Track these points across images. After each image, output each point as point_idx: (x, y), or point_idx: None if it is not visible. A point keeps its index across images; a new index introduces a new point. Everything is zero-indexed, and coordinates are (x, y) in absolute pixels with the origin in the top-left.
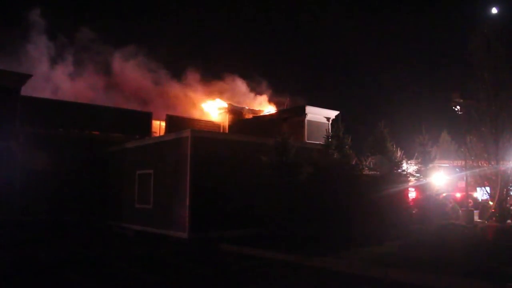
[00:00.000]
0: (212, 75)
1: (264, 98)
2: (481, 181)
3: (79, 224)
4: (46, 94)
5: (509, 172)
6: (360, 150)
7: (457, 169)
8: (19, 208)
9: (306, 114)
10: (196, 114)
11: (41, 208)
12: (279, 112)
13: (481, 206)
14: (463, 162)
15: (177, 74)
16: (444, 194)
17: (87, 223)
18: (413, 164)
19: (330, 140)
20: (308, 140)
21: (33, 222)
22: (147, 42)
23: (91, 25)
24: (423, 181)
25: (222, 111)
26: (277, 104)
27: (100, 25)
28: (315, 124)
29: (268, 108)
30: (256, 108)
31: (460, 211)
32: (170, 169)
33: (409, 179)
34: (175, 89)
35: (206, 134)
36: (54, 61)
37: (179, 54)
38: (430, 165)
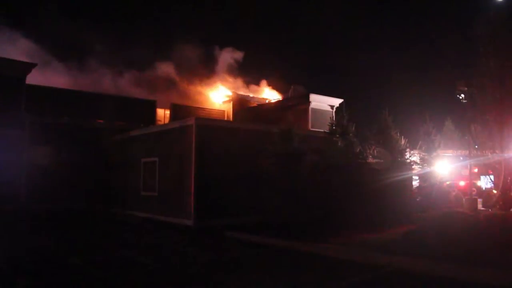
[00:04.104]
0: (216, 62)
1: (268, 86)
2: (485, 170)
3: (85, 212)
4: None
5: None
6: (364, 138)
7: (461, 158)
8: (24, 197)
9: (310, 102)
10: (200, 103)
11: (47, 196)
12: (283, 100)
13: (485, 194)
14: (467, 151)
15: (180, 64)
16: (447, 183)
17: (93, 212)
18: (416, 154)
19: (334, 128)
20: (312, 128)
21: (39, 210)
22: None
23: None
24: (427, 169)
25: (226, 99)
26: (281, 92)
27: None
28: (319, 112)
29: (272, 96)
30: (261, 96)
31: (464, 199)
32: (175, 157)
33: (413, 167)
34: (180, 77)
35: (210, 122)
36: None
37: (184, 42)
38: (434, 154)
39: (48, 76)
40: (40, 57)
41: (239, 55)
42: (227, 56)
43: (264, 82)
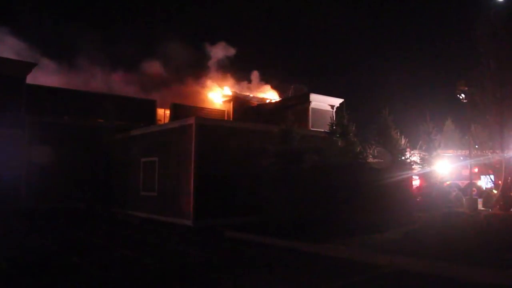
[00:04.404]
0: (214, 61)
1: (268, 86)
2: (485, 169)
3: (85, 212)
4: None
5: None
6: (365, 137)
7: (461, 158)
8: (25, 196)
9: (310, 102)
10: (201, 103)
11: (47, 196)
12: (283, 100)
13: (485, 194)
14: (467, 151)
15: (181, 62)
16: (448, 182)
17: (93, 211)
18: (416, 154)
19: (334, 127)
20: (312, 127)
21: (39, 210)
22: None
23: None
24: (427, 169)
25: (226, 99)
26: (281, 92)
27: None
28: (319, 112)
29: (272, 96)
30: (261, 96)
31: (464, 199)
32: (174, 157)
33: (413, 167)
34: (179, 77)
35: (210, 122)
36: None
37: (184, 41)
38: (435, 154)
39: (38, 75)
40: (29, 56)
41: (237, 53)
42: (224, 55)
43: (264, 82)
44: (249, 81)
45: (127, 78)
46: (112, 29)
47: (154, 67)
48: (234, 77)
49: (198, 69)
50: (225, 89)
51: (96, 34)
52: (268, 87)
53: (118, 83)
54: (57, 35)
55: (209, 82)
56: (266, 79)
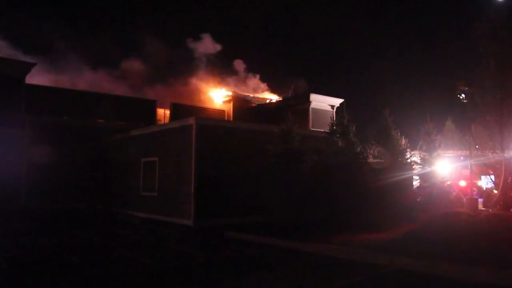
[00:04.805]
0: (216, 62)
1: (257, 77)
2: (486, 170)
3: (85, 212)
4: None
5: None
6: (365, 138)
7: (461, 158)
8: (24, 196)
9: (310, 102)
10: (200, 102)
11: (47, 196)
12: (283, 100)
13: (485, 194)
14: (468, 152)
15: (180, 62)
16: (449, 182)
17: (93, 211)
18: (417, 154)
19: (334, 127)
20: (312, 128)
21: (39, 210)
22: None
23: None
24: (428, 169)
25: (226, 99)
26: (281, 92)
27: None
28: (319, 112)
29: (272, 96)
30: (261, 96)
31: (464, 199)
32: (174, 157)
33: (413, 167)
34: (179, 77)
35: (210, 122)
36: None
37: (183, 41)
38: (435, 154)
39: None
40: (10, 55)
41: (237, 54)
42: (211, 53)
43: (264, 82)
44: (235, 73)
45: (114, 76)
46: (99, 28)
47: (142, 65)
48: (231, 76)
49: (191, 69)
50: (225, 89)
51: (85, 34)
52: (257, 79)
53: (106, 82)
54: (39, 34)
55: (204, 82)
56: (253, 70)
